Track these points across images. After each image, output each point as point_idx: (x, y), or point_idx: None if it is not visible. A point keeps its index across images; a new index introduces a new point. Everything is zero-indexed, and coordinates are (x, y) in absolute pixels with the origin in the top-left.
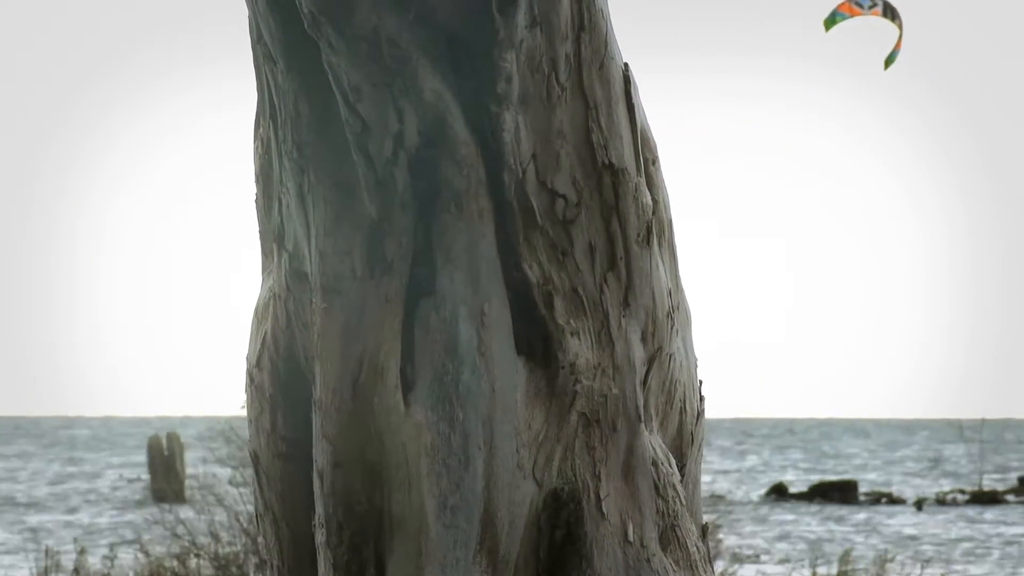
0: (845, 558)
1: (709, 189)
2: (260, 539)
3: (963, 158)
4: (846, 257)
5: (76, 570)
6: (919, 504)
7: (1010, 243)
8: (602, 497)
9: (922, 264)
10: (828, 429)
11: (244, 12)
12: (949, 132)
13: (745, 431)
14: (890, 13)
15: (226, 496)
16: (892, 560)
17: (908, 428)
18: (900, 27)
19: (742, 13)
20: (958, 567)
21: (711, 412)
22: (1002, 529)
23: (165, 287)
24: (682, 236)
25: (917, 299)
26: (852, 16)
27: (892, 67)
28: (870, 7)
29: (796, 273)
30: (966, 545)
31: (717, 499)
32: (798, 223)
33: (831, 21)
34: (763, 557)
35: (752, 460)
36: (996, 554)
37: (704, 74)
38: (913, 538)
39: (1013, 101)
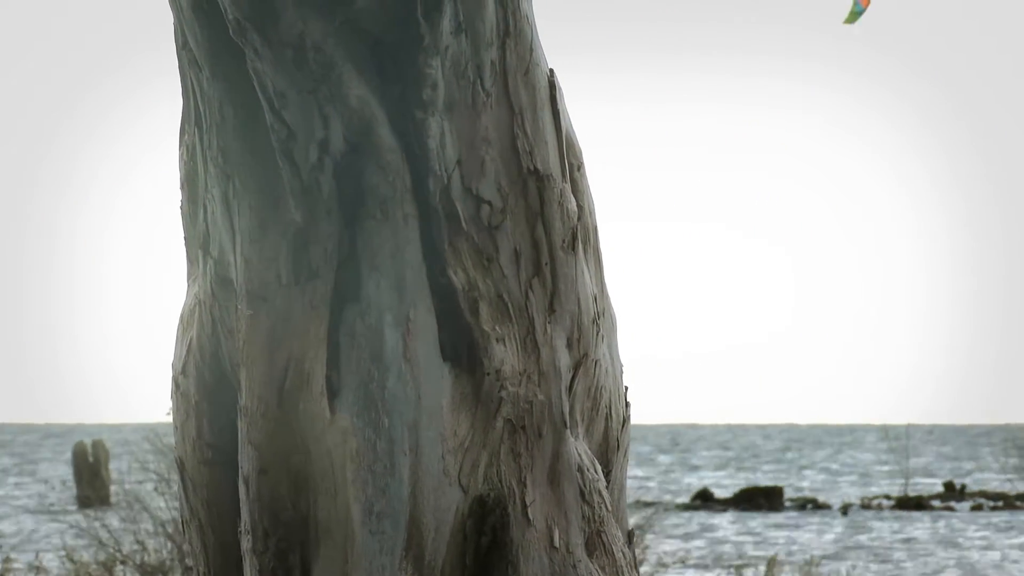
0: (771, 563)
1: (708, 190)
2: (186, 546)
3: (964, 158)
4: (846, 258)
5: None
6: (844, 510)
7: (1011, 244)
8: (528, 503)
9: (923, 266)
10: (806, 434)
11: None
12: (950, 133)
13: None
14: None
15: (152, 503)
16: (818, 564)
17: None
18: None
19: (743, 13)
20: (875, 567)
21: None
22: (915, 533)
23: (98, 294)
24: (690, 238)
25: (918, 299)
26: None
27: (854, 24)
28: None
29: (797, 274)
30: (880, 549)
31: (642, 504)
32: (797, 224)
33: (855, 17)
34: (688, 562)
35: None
36: (901, 555)
37: (703, 74)
38: (836, 542)
39: (1016, 102)
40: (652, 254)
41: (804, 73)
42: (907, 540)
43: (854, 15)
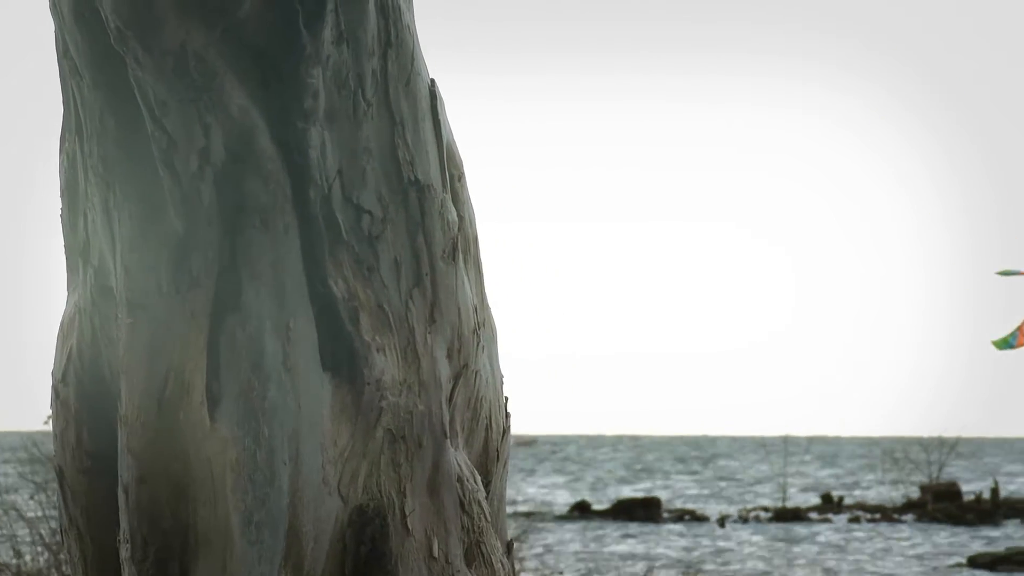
0: (647, 574)
1: (709, 190)
2: (64, 555)
3: (965, 159)
4: (847, 259)
5: None
6: (722, 521)
7: (1010, 245)
8: (407, 513)
9: (922, 268)
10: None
11: None
12: (951, 134)
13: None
14: None
15: (28, 512)
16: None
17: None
18: None
19: (744, 13)
20: None
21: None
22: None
23: None
24: (691, 238)
25: (918, 299)
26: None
27: (1000, 350)
28: None
29: (798, 276)
30: (751, 561)
31: (521, 516)
32: (798, 224)
33: (1004, 343)
34: (565, 573)
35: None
36: (759, 563)
37: (704, 75)
38: (719, 553)
39: (1016, 102)
40: (651, 254)
41: (805, 73)
42: (770, 549)
43: (1004, 343)
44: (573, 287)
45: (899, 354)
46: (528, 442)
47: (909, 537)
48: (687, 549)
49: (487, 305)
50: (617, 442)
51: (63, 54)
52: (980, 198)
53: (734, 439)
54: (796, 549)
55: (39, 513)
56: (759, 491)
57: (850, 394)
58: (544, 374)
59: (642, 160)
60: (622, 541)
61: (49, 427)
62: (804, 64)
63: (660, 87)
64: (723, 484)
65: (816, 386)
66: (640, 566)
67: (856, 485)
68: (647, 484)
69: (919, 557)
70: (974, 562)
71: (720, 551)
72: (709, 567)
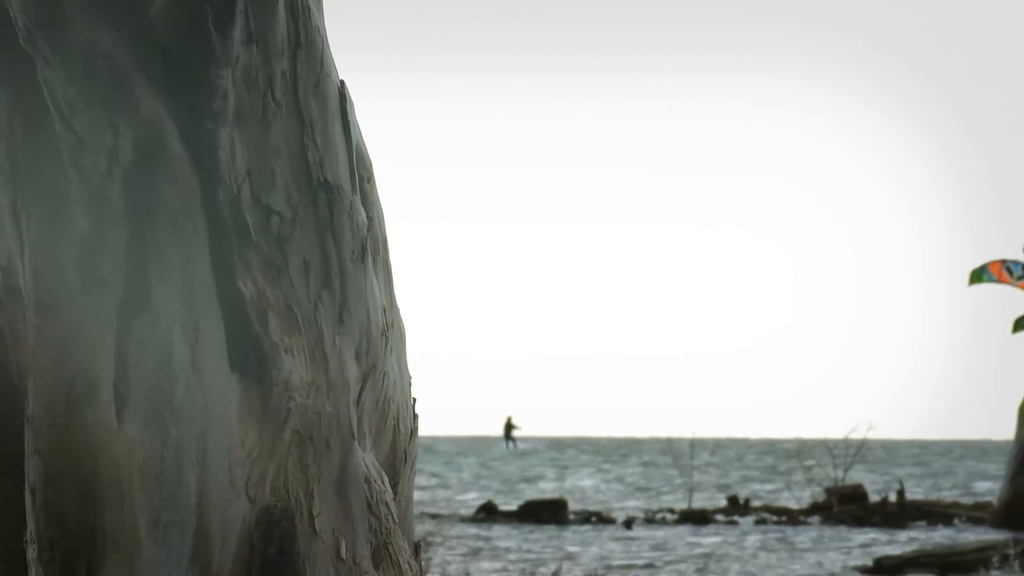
0: (555, 574)
1: (710, 191)
2: None
3: (965, 159)
4: (847, 260)
5: None
6: (628, 523)
7: (1010, 244)
8: (315, 514)
9: (922, 269)
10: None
11: None
12: (951, 134)
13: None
14: None
15: None
16: None
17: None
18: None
19: (744, 13)
20: None
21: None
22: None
23: None
24: (700, 238)
25: (918, 300)
26: (999, 281)
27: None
28: (1018, 279)
29: (798, 275)
30: (654, 562)
31: (429, 517)
32: (799, 224)
33: (977, 277)
34: (472, 574)
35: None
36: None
37: (704, 75)
38: (622, 554)
39: (1016, 102)
40: (651, 254)
41: (805, 73)
42: (674, 550)
43: (976, 276)
44: (573, 287)
45: (898, 354)
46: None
47: (815, 539)
48: (590, 550)
49: (396, 306)
50: (607, 444)
51: None
52: (980, 198)
53: (718, 441)
54: (700, 551)
55: None
56: (680, 494)
57: (849, 394)
58: (543, 374)
59: (642, 160)
60: (527, 542)
61: None
62: (804, 64)
63: (660, 87)
64: (650, 485)
65: (816, 386)
66: (545, 567)
67: (770, 487)
68: (560, 484)
69: (824, 560)
70: (880, 565)
71: (622, 552)
72: (613, 568)
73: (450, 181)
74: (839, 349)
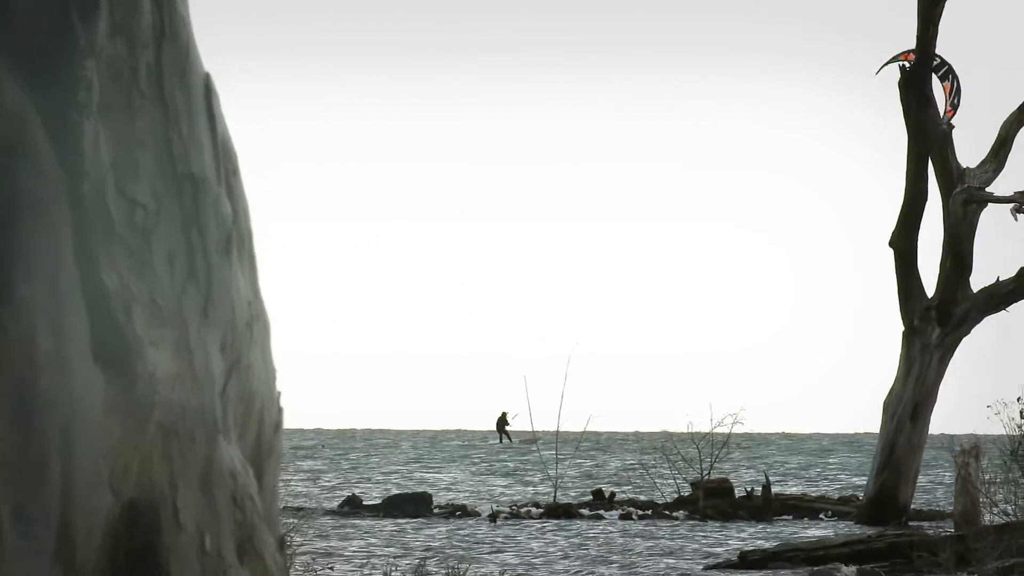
0: (419, 570)
1: (710, 190)
2: None
3: (965, 159)
4: (848, 260)
5: None
6: (493, 517)
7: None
8: (179, 508)
9: (921, 269)
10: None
11: (237, 11)
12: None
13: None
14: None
15: None
16: (463, 574)
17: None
18: (947, 90)
19: (745, 13)
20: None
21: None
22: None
23: None
24: (700, 238)
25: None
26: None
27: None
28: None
29: (798, 276)
30: (516, 555)
31: (293, 510)
32: (799, 224)
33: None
34: (336, 568)
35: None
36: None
37: (704, 74)
38: (495, 550)
39: (1016, 102)
40: (651, 254)
41: (806, 73)
42: (537, 544)
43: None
44: (573, 287)
45: (897, 354)
46: (530, 440)
47: (680, 534)
48: (452, 543)
49: (261, 299)
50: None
51: None
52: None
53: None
54: (563, 544)
55: None
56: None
57: (850, 393)
58: (543, 374)
59: (642, 160)
60: (391, 536)
61: None
62: (805, 64)
63: (660, 87)
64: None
65: (817, 386)
66: (408, 560)
67: (631, 480)
68: (430, 476)
69: (688, 554)
70: (745, 559)
71: (484, 545)
72: (475, 561)
73: (450, 181)
74: (839, 349)
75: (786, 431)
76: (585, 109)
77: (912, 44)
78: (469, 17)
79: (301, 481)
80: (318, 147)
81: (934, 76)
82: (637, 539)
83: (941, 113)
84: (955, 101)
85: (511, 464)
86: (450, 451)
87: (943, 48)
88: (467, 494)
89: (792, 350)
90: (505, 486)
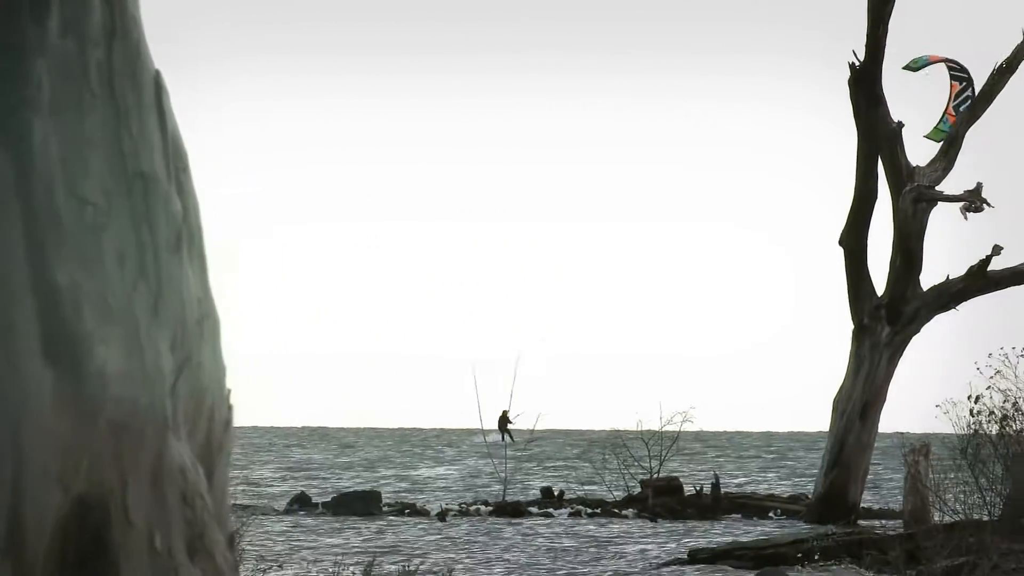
0: (368, 570)
1: (710, 190)
2: None
3: (965, 159)
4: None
5: None
6: (442, 516)
7: (1009, 244)
8: (129, 505)
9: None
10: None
11: (234, 11)
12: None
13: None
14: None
15: None
16: (415, 572)
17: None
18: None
19: (745, 13)
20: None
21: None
22: (480, 538)
23: None
24: (700, 238)
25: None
26: (931, 62)
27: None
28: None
29: (798, 276)
30: (466, 554)
31: (241, 508)
32: (800, 224)
33: (940, 133)
34: (285, 566)
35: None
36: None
37: (704, 74)
38: (439, 548)
39: (1016, 102)
40: (650, 254)
41: (806, 74)
42: (484, 543)
43: (939, 132)
44: (573, 287)
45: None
46: (531, 439)
47: (629, 532)
48: (403, 541)
49: (211, 297)
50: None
51: None
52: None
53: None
54: (511, 542)
55: None
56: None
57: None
58: (543, 373)
59: (642, 160)
60: (339, 534)
61: None
62: (805, 64)
63: (660, 87)
64: (475, 477)
65: (816, 386)
66: (357, 558)
67: (584, 479)
68: (377, 474)
69: (637, 552)
70: (694, 557)
71: (434, 544)
72: (425, 560)
73: (450, 181)
74: (839, 349)
75: (792, 430)
76: (585, 109)
77: (914, 45)
78: (469, 17)
79: (300, 482)
80: (318, 147)
81: (948, 73)
82: (585, 538)
83: (942, 113)
84: (958, 106)
85: (510, 465)
86: (448, 449)
87: (904, 42)
88: (456, 494)
89: (792, 350)
90: (474, 483)
